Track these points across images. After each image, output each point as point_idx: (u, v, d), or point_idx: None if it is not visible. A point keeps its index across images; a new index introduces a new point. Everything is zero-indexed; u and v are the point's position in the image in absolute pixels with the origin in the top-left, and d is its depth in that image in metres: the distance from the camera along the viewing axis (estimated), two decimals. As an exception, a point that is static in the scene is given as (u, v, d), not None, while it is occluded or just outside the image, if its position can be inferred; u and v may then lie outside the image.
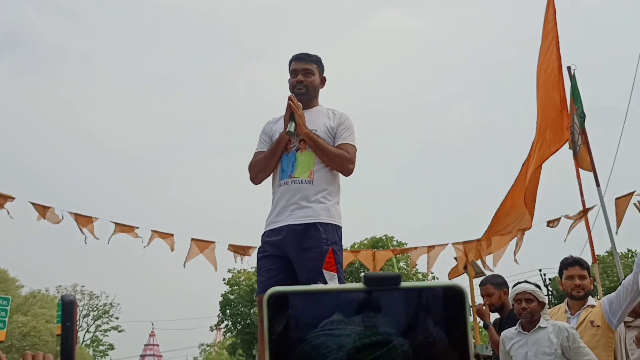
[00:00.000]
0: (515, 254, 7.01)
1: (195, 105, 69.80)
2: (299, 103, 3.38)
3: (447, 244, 8.45)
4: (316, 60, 3.59)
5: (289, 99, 3.38)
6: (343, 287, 0.58)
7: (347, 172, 3.38)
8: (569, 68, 5.93)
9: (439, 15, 78.01)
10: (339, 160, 3.34)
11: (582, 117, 5.58)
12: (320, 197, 3.26)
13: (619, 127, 10.26)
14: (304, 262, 3.16)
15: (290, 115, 3.35)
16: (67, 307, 0.53)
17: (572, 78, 5.77)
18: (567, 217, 7.50)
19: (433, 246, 8.59)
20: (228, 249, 8.90)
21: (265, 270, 3.25)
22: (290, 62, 3.60)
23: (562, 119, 5.54)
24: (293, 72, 3.54)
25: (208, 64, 74.77)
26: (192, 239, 8.72)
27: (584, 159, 5.89)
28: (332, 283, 3.09)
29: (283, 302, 0.56)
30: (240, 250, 8.87)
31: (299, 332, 0.56)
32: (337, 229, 3.27)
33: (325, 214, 3.23)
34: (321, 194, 3.27)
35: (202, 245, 8.78)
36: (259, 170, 3.47)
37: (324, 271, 3.11)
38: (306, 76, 3.51)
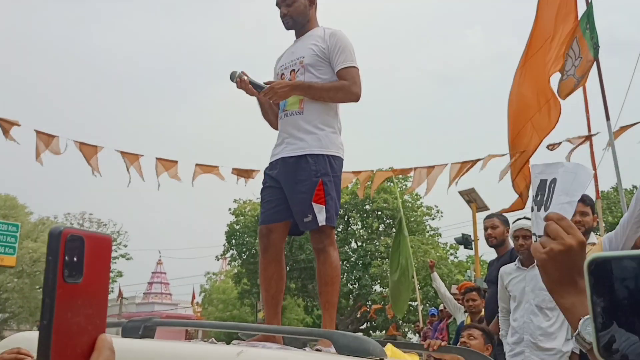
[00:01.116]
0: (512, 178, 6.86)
1: (203, 28, 68.51)
2: (247, 80, 3.27)
3: (446, 164, 8.42)
4: None
5: (237, 83, 3.29)
6: None
7: (355, 99, 3.27)
8: (585, -6, 5.66)
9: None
10: (340, 94, 3.24)
11: (597, 47, 5.38)
12: (312, 128, 3.19)
13: (632, 59, 9.98)
14: (295, 195, 3.14)
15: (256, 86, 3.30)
16: (52, 240, 0.51)
17: (589, 5, 5.52)
18: (569, 140, 7.39)
19: (433, 166, 8.60)
20: (232, 172, 8.96)
21: (266, 202, 3.26)
22: None
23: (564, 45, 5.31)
24: (277, 6, 3.38)
25: (213, -8, 72.81)
26: (196, 164, 8.77)
27: (565, 88, 5.66)
28: (320, 216, 3.08)
29: (606, 268, 0.51)
30: (243, 174, 8.94)
31: (625, 298, 0.50)
32: (330, 159, 3.19)
33: (317, 145, 3.16)
34: (313, 123, 3.20)
35: (206, 169, 8.85)
36: (269, 123, 3.56)
37: (313, 204, 3.08)
38: (288, 7, 3.34)
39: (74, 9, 64.34)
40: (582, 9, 5.65)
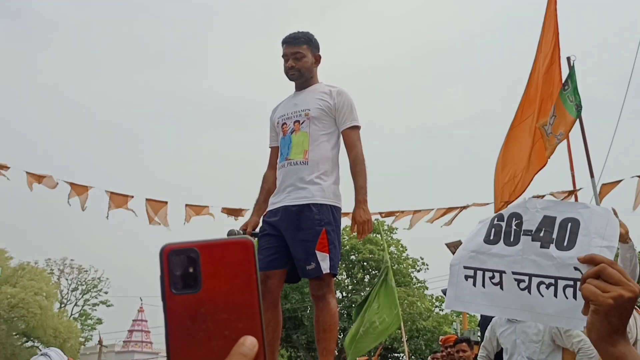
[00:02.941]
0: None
1: (187, 78, 69.30)
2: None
3: (432, 209, 8.55)
4: (306, 40, 3.51)
5: None
6: None
7: (364, 160, 3.41)
8: (568, 59, 5.95)
9: None
10: (364, 165, 3.38)
11: (579, 107, 5.62)
12: (315, 178, 3.27)
13: (608, 117, 10.33)
14: (298, 242, 3.19)
15: None
16: (159, 258, 0.55)
17: (571, 69, 5.80)
18: (553, 194, 7.57)
19: (419, 210, 8.73)
20: (222, 211, 8.99)
21: (264, 249, 3.29)
22: (282, 44, 3.54)
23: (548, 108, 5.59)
24: (284, 57, 3.50)
25: (202, 38, 74.12)
26: (186, 205, 8.79)
27: (550, 146, 5.88)
28: (324, 264, 3.15)
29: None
30: (233, 213, 8.96)
31: None
32: (332, 209, 3.28)
33: (320, 195, 3.24)
34: (316, 174, 3.28)
35: (196, 209, 8.85)
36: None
37: (317, 252, 3.14)
38: (297, 60, 3.46)
39: (66, 58, 64.98)
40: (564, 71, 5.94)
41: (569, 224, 1.80)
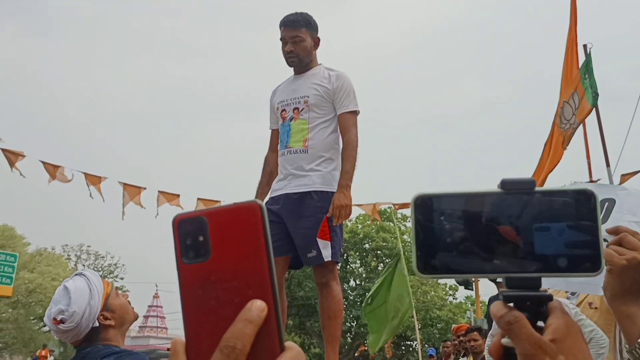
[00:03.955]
0: None
1: (200, 69, 69.41)
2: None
3: None
4: (305, 23, 3.42)
5: None
6: (483, 191, 0.62)
7: (357, 145, 3.34)
8: (584, 46, 5.86)
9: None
10: (356, 151, 3.30)
11: (596, 96, 5.54)
12: (315, 166, 3.26)
13: (624, 108, 10.22)
14: (299, 230, 3.19)
15: None
16: (172, 229, 0.54)
17: (588, 56, 5.71)
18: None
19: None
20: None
21: None
22: (279, 27, 3.44)
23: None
24: (282, 41, 3.42)
25: (217, 29, 74.08)
26: (199, 199, 8.84)
27: (568, 137, 5.85)
28: (326, 251, 3.13)
29: (428, 204, 0.62)
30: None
31: (444, 231, 0.61)
32: (333, 196, 3.23)
33: (320, 182, 3.22)
34: (317, 161, 3.27)
35: (208, 204, 8.91)
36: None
37: (318, 240, 3.13)
38: (295, 44, 3.38)
39: (75, 52, 65.32)
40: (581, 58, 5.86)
41: (606, 204, 2.04)
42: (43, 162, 8.78)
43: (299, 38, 3.38)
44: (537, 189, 0.61)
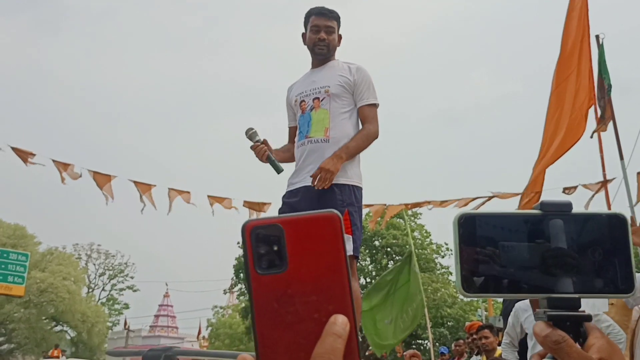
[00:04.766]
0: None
1: (210, 64, 69.58)
2: (267, 154, 3.25)
3: (459, 199, 8.40)
4: (337, 17, 3.45)
5: (256, 151, 3.27)
6: (524, 212, 0.65)
7: (376, 137, 3.32)
8: (597, 37, 5.76)
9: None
10: (370, 140, 3.28)
11: (609, 88, 5.46)
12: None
13: (633, 100, 10.06)
14: None
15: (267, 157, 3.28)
16: (241, 236, 0.52)
17: (600, 47, 5.62)
18: (585, 186, 7.39)
19: (446, 201, 8.59)
20: (243, 205, 8.98)
21: None
22: (308, 16, 3.45)
23: (589, 90, 5.43)
24: (314, 28, 3.40)
25: (226, 24, 74.21)
26: (208, 196, 8.81)
27: (600, 127, 5.80)
28: (348, 245, 3.05)
29: (471, 223, 0.64)
30: (255, 207, 8.94)
31: (487, 250, 0.63)
32: (354, 190, 3.20)
33: (342, 175, 3.15)
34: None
35: (217, 201, 8.88)
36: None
37: None
38: (328, 34, 3.39)
39: (86, 48, 65.66)
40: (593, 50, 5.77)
41: None
42: (53, 161, 8.79)
43: (332, 29, 3.40)
44: (574, 212, 0.64)
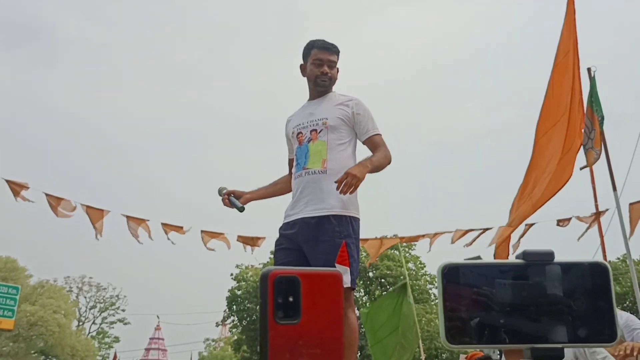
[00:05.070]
0: (515, 247, 6.92)
1: (204, 97, 70.02)
2: (228, 200, 3.46)
3: (452, 231, 8.39)
4: (338, 52, 3.50)
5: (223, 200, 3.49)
6: (507, 262, 0.66)
7: (390, 162, 3.36)
8: (588, 70, 5.85)
9: (452, 13, 77.73)
10: (388, 161, 3.32)
11: (601, 120, 5.52)
12: (335, 188, 3.17)
13: (631, 132, 10.20)
14: (317, 255, 3.10)
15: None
16: (261, 282, 0.54)
17: (592, 80, 5.70)
18: (578, 218, 7.41)
19: (440, 233, 8.57)
20: (237, 240, 8.93)
21: (280, 264, 3.21)
22: (310, 48, 3.48)
23: (578, 122, 5.49)
24: (317, 61, 3.43)
25: (219, 57, 74.91)
26: (202, 231, 8.76)
27: (589, 158, 5.84)
28: (345, 277, 3.03)
29: (455, 273, 0.64)
30: (249, 241, 8.90)
31: (471, 300, 0.64)
32: (352, 221, 3.19)
33: (339, 206, 3.15)
34: (335, 184, 3.19)
35: (211, 236, 8.83)
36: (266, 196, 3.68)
37: (337, 265, 3.04)
38: (331, 68, 3.43)
39: (81, 76, 66.06)
40: (584, 82, 5.84)
41: None
42: (46, 194, 8.75)
43: (334, 63, 3.45)
44: (556, 260, 0.64)
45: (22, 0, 64.61)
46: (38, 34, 67.29)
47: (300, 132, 3.38)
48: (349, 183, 3.04)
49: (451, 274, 0.64)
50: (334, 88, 3.54)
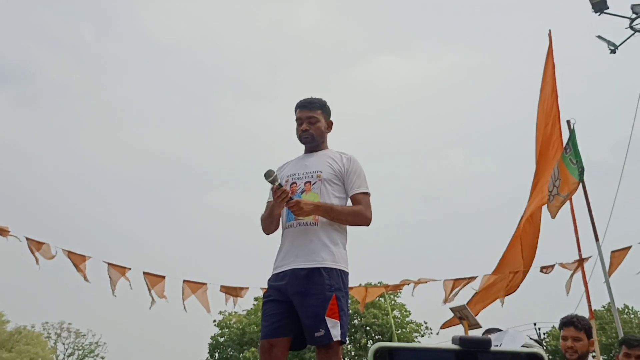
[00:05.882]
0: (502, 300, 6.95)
1: (190, 141, 70.18)
2: (286, 190, 3.19)
3: (438, 280, 8.39)
4: (320, 106, 3.54)
5: (275, 188, 3.20)
6: (442, 347, 0.64)
7: (367, 224, 3.35)
8: (568, 122, 6.00)
9: (434, 62, 79.40)
10: (357, 218, 3.30)
11: (582, 170, 5.62)
12: (326, 241, 3.20)
13: (609, 181, 10.40)
14: (307, 308, 3.08)
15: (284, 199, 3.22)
16: None
17: (572, 132, 5.83)
18: (562, 265, 7.44)
19: (425, 281, 8.56)
20: (220, 290, 8.83)
21: (269, 316, 3.18)
22: (295, 109, 3.57)
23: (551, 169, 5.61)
24: (298, 120, 3.52)
25: (205, 103, 75.51)
26: (184, 281, 8.65)
27: (553, 207, 5.92)
28: (335, 330, 3.03)
29: (388, 356, 0.63)
30: (232, 292, 8.80)
31: None
32: (342, 274, 3.19)
33: (330, 259, 3.16)
34: (327, 236, 3.22)
35: (194, 287, 8.71)
36: (265, 227, 3.51)
37: (327, 318, 3.03)
38: (311, 124, 3.48)
39: (65, 125, 66.22)
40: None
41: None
42: (27, 239, 8.65)
43: (314, 119, 3.49)
44: (493, 349, 0.63)
45: (7, 45, 65.07)
46: (24, 77, 67.65)
47: (295, 182, 3.40)
48: (294, 206, 3.11)
49: (383, 357, 0.63)
50: (330, 142, 3.59)
